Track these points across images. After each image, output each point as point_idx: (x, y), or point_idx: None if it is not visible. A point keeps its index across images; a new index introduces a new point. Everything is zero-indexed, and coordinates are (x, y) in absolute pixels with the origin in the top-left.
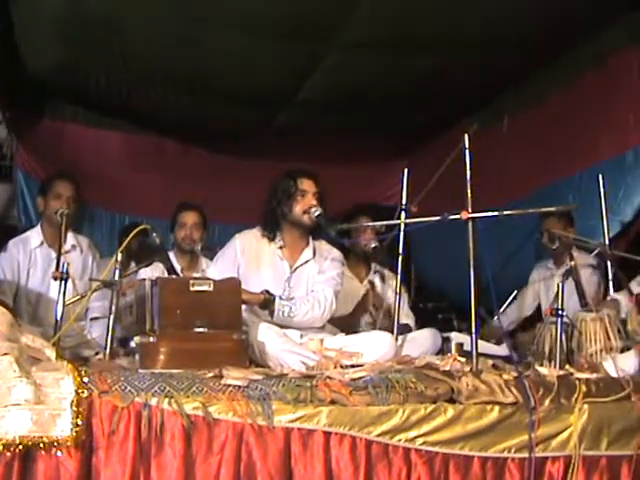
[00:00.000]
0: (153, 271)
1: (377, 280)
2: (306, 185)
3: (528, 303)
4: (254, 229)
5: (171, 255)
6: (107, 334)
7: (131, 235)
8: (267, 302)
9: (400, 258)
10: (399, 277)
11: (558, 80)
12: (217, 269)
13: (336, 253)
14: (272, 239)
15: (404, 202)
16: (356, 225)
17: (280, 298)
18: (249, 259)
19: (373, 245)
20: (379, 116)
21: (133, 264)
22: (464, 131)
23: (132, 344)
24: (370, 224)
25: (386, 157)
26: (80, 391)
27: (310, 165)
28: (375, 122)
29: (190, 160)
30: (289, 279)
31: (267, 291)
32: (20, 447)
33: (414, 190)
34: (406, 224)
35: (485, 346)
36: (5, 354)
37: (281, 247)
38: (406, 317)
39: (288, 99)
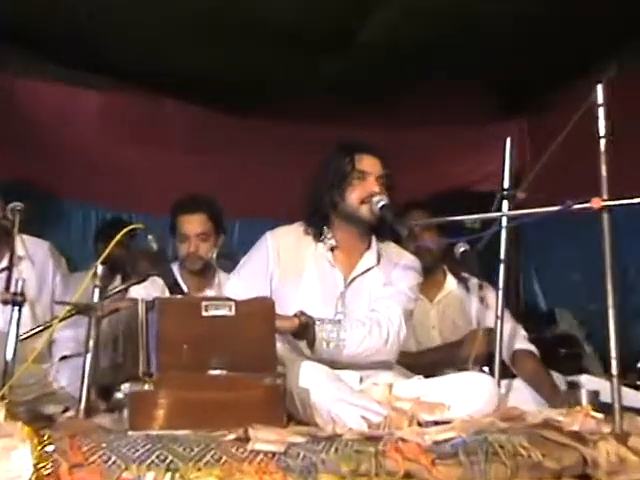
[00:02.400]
0: (149, 289)
1: (459, 290)
2: (367, 164)
3: None
4: (294, 225)
5: (174, 268)
6: (82, 381)
7: (116, 238)
8: (303, 328)
9: (502, 267)
10: (500, 294)
11: None
12: (240, 284)
13: (410, 259)
14: (320, 239)
15: (506, 185)
16: (437, 220)
17: (321, 322)
18: (286, 267)
19: (462, 249)
20: (472, 63)
21: (119, 279)
22: (597, 80)
23: (118, 395)
24: (456, 218)
25: (482, 121)
26: (41, 466)
27: (372, 133)
28: (467, 71)
29: (200, 129)
30: (342, 295)
31: (302, 312)
32: None
33: (522, 169)
34: (510, 218)
35: (632, 396)
36: None
37: (332, 249)
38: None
39: (345, 40)
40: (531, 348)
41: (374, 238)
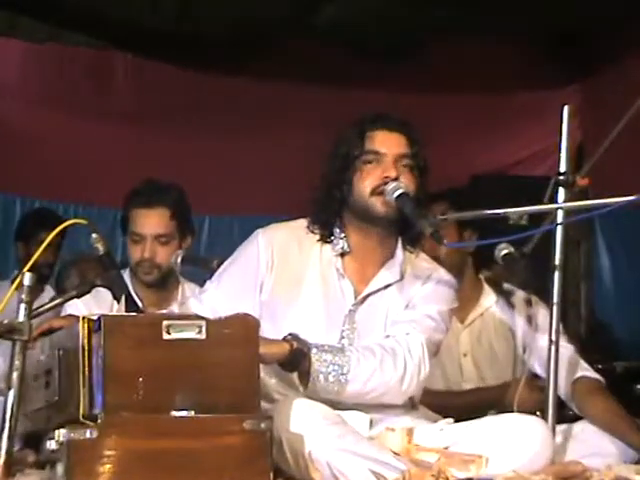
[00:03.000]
0: (90, 304)
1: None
2: (382, 142)
3: None
4: (293, 222)
5: (126, 277)
6: (2, 426)
7: (50, 236)
8: (294, 356)
9: (557, 275)
10: (555, 311)
11: None
12: (218, 295)
13: (445, 277)
14: (327, 239)
15: (563, 168)
16: (473, 214)
17: (318, 349)
18: (281, 274)
19: (504, 252)
20: (518, 10)
21: (49, 291)
22: None
23: (51, 444)
24: (498, 211)
25: (532, 86)
26: None
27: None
28: (510, 20)
29: (162, 91)
30: (351, 314)
31: (294, 336)
32: None
33: (582, 147)
34: (568, 211)
35: None
36: None
37: (343, 255)
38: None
39: None
40: (596, 376)
41: (400, 245)
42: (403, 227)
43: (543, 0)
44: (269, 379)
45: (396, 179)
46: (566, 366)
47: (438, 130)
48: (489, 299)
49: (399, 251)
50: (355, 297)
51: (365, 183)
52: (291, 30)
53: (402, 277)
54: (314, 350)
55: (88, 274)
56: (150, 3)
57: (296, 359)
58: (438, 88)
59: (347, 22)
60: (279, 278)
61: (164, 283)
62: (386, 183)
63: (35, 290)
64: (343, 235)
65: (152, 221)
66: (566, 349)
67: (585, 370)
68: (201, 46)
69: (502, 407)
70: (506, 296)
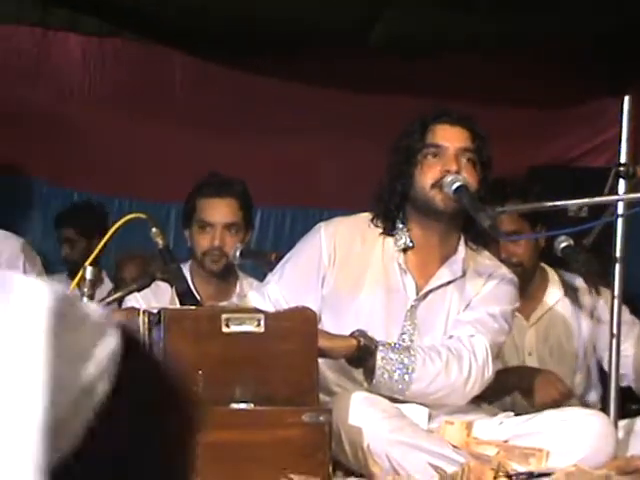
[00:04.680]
0: (149, 298)
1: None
2: (443, 135)
3: None
4: (356, 215)
5: (185, 270)
6: None
7: (113, 228)
8: (361, 353)
9: (618, 267)
10: (616, 303)
11: None
12: (279, 288)
13: (506, 274)
14: (390, 233)
15: (623, 159)
16: (532, 207)
17: (385, 347)
18: (344, 269)
19: (564, 244)
20: (576, 20)
21: (109, 284)
22: None
23: None
24: (557, 203)
25: (587, 91)
26: None
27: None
28: (570, 28)
29: (215, 90)
30: (413, 310)
31: (362, 333)
32: None
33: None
34: (630, 203)
35: None
36: None
37: (405, 250)
38: None
39: None
40: None
41: (462, 242)
42: (466, 223)
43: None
44: (329, 372)
45: (457, 172)
46: (637, 362)
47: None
48: (555, 295)
49: (461, 247)
50: (417, 293)
51: (426, 176)
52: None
53: (464, 274)
54: (381, 348)
55: (145, 269)
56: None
57: (363, 356)
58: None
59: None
60: (341, 272)
61: (225, 276)
62: (445, 175)
63: (96, 282)
64: (406, 229)
65: (222, 210)
66: (635, 342)
67: None
68: (254, 47)
69: (526, 393)
70: (568, 289)
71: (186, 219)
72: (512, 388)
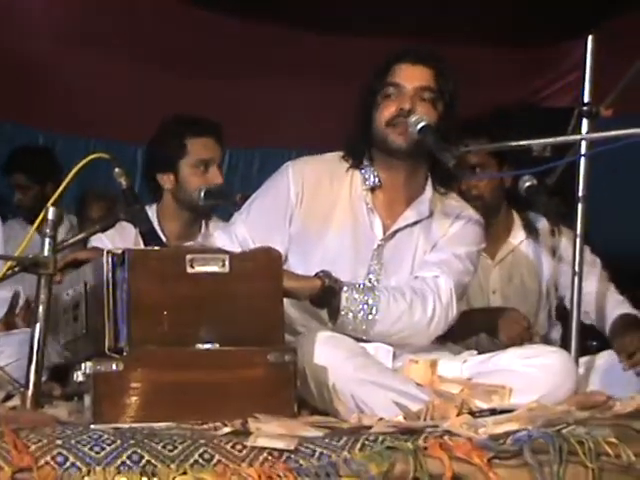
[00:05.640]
0: (117, 238)
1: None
2: (405, 75)
3: None
4: (324, 155)
5: (151, 212)
6: (30, 359)
7: (74, 170)
8: (326, 294)
9: (581, 206)
10: (579, 242)
11: None
12: (246, 228)
13: (472, 215)
14: (358, 168)
15: (586, 99)
16: (496, 146)
17: (349, 288)
18: (311, 208)
19: (527, 184)
20: None
21: (74, 224)
22: None
23: (78, 377)
24: (521, 142)
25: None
26: None
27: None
28: None
29: (184, 31)
30: (380, 250)
31: (326, 273)
32: None
33: (601, 84)
34: (591, 142)
35: None
36: None
37: (373, 189)
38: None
39: None
40: (636, 313)
41: (430, 183)
42: (433, 165)
43: None
44: (294, 312)
45: (410, 111)
46: (596, 296)
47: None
48: (519, 234)
49: (428, 188)
50: (384, 232)
51: (382, 115)
52: None
53: (431, 214)
54: (345, 288)
55: (111, 209)
56: None
57: (327, 296)
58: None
59: None
60: (309, 211)
61: (195, 216)
62: (400, 115)
63: (59, 223)
64: (373, 169)
65: (217, 150)
66: (596, 277)
67: (623, 303)
68: None
69: (492, 333)
70: (530, 229)
71: (170, 160)
72: (478, 329)
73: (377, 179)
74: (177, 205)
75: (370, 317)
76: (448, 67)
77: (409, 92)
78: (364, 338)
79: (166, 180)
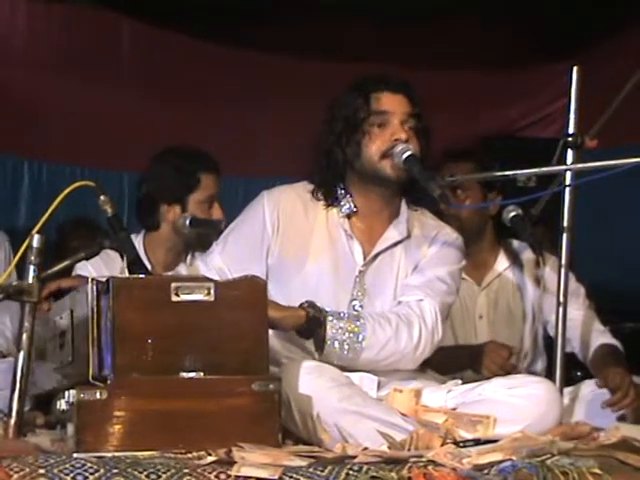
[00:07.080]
0: (102, 266)
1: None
2: (388, 103)
3: None
4: (298, 184)
5: (137, 240)
6: (13, 387)
7: (60, 197)
8: (310, 324)
9: (565, 237)
10: (563, 272)
11: None
12: (224, 258)
13: (452, 235)
14: (332, 202)
15: (570, 130)
16: (482, 176)
17: (334, 317)
18: (289, 237)
19: (512, 214)
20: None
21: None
22: None
23: (60, 404)
24: (507, 173)
25: (531, 57)
26: None
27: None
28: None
29: (167, 59)
30: (361, 276)
31: (310, 303)
32: None
33: (586, 114)
34: (578, 172)
35: None
36: None
37: (350, 216)
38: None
39: None
40: (616, 344)
41: (404, 204)
42: (406, 187)
43: None
44: (277, 344)
45: (406, 141)
46: (581, 326)
47: (442, 99)
48: (505, 262)
49: (404, 208)
50: (364, 258)
51: (375, 146)
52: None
53: (409, 235)
54: (330, 317)
55: (94, 237)
56: None
57: (312, 327)
58: (433, 63)
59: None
60: (286, 241)
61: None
62: (394, 144)
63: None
64: (349, 196)
65: (215, 181)
66: (581, 309)
67: (604, 333)
68: (206, 14)
69: (477, 369)
70: (514, 257)
71: (179, 193)
72: (461, 367)
73: (353, 205)
74: (172, 236)
75: (357, 345)
76: (418, 95)
77: (397, 121)
78: (351, 366)
79: (170, 212)
